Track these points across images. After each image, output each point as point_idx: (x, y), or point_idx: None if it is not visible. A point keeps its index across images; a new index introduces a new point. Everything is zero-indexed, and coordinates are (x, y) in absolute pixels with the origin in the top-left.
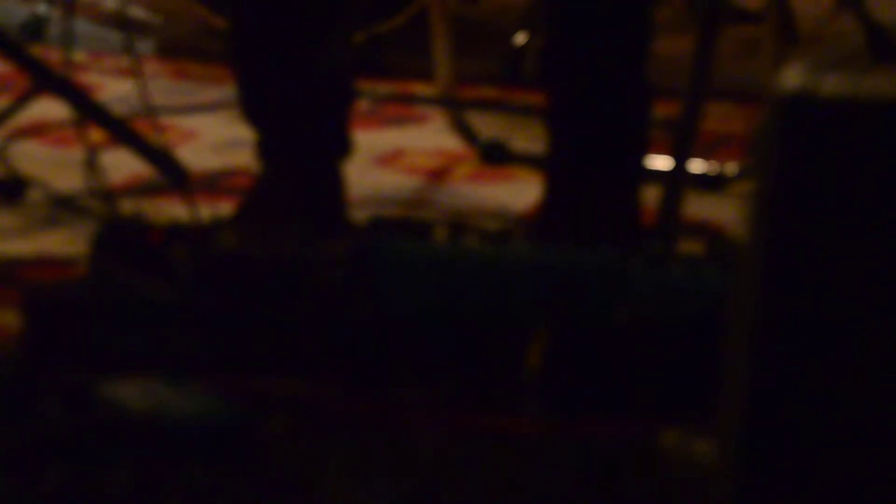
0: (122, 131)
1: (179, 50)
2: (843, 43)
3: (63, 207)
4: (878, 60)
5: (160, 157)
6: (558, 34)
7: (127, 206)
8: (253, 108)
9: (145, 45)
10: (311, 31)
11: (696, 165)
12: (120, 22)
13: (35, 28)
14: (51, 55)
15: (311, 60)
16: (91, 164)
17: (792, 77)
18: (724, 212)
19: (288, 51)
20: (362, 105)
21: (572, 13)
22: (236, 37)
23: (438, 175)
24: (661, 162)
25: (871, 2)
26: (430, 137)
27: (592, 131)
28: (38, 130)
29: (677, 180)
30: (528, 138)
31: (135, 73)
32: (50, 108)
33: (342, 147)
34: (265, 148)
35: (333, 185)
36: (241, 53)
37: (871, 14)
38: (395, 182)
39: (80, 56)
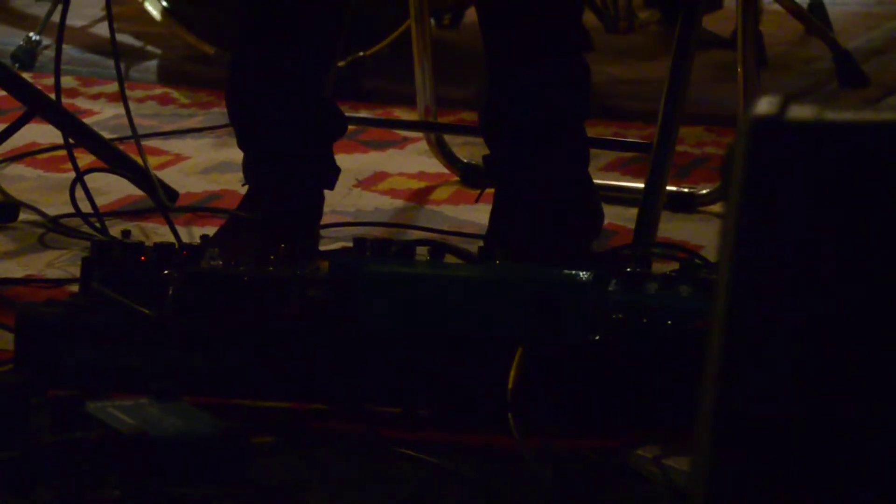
0: (110, 154)
1: (168, 76)
2: (812, 68)
3: (53, 229)
4: (845, 84)
5: (148, 180)
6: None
7: (116, 227)
8: (245, 131)
9: (134, 71)
10: (310, 63)
11: (671, 187)
12: (110, 49)
13: (27, 55)
14: (42, 81)
15: (308, 90)
16: (80, 187)
17: (762, 101)
18: (698, 232)
19: (286, 79)
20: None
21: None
22: (236, 63)
23: (419, 197)
24: (637, 184)
25: (838, 29)
26: (412, 160)
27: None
28: (28, 154)
29: (653, 201)
30: None
31: (123, 98)
32: (40, 133)
33: (328, 176)
34: (251, 169)
35: (312, 212)
36: (238, 79)
37: (838, 41)
38: (378, 203)
39: (70, 81)
